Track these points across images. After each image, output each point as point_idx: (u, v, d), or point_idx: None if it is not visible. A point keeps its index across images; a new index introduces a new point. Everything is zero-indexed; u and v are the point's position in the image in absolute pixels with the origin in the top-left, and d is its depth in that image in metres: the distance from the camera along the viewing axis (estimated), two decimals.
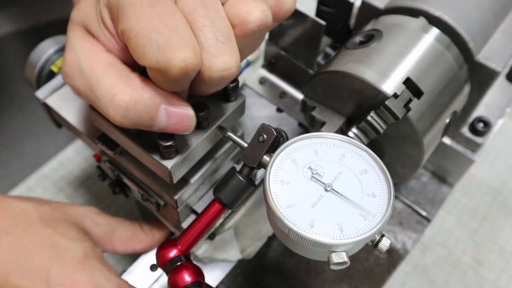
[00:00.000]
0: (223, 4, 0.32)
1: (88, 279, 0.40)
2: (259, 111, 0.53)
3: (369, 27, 0.46)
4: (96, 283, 0.40)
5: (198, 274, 0.38)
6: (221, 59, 0.30)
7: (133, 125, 0.32)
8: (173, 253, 0.39)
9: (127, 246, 0.49)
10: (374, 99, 0.40)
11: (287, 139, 0.37)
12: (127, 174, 0.46)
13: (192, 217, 0.46)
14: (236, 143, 0.38)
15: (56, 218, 0.44)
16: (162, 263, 0.39)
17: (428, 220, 0.56)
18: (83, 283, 0.40)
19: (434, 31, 0.43)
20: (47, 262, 0.40)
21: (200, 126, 0.38)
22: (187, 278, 0.38)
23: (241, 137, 0.38)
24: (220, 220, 0.49)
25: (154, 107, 0.31)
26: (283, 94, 0.57)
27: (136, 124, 0.32)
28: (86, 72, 0.32)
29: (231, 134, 0.38)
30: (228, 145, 0.44)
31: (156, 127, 0.33)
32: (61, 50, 0.53)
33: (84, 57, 0.33)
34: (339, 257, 0.32)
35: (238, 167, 0.38)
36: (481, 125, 0.51)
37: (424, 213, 0.56)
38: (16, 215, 0.43)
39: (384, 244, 0.34)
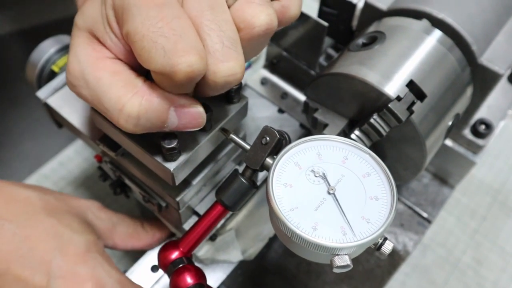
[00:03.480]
0: (228, 7, 0.32)
1: (89, 273, 0.40)
2: (260, 112, 0.53)
3: (371, 29, 0.46)
4: (97, 278, 0.40)
5: (200, 276, 0.38)
6: (226, 65, 0.30)
7: (144, 131, 0.32)
8: (175, 255, 0.39)
9: (127, 243, 0.49)
10: (377, 101, 0.40)
11: (290, 141, 0.37)
12: (129, 175, 0.45)
13: (193, 219, 0.46)
14: (238, 145, 0.38)
15: (60, 208, 0.44)
16: (164, 265, 0.39)
17: (429, 221, 0.56)
18: (84, 277, 0.40)
19: (437, 33, 0.43)
20: (49, 253, 0.40)
21: (203, 128, 0.37)
22: (189, 280, 0.38)
23: (243, 139, 0.38)
24: (222, 221, 0.48)
25: (164, 111, 0.31)
26: (284, 95, 0.57)
27: (147, 129, 0.32)
28: (92, 82, 0.32)
29: (234, 136, 0.38)
30: (230, 146, 0.44)
31: (167, 129, 0.33)
32: (62, 50, 0.53)
33: (89, 67, 0.32)
34: (342, 260, 0.32)
35: (240, 169, 0.38)
36: (483, 127, 0.51)
37: (425, 215, 0.56)
38: (20, 202, 0.42)
39: (387, 247, 0.33)
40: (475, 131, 0.51)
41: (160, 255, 0.39)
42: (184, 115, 0.32)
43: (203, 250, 0.50)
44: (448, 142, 0.54)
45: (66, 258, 0.40)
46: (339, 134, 0.43)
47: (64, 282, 0.39)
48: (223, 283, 0.49)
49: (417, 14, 0.44)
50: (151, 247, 0.51)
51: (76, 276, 0.40)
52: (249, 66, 0.52)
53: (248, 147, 0.37)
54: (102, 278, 0.40)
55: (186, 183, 0.42)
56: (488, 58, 0.43)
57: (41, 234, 0.41)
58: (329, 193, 0.34)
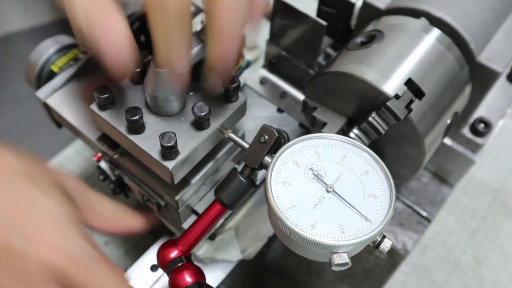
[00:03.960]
0: None
1: (64, 245, 0.38)
2: (259, 112, 0.53)
3: (370, 27, 0.46)
4: (71, 250, 0.38)
5: (199, 275, 0.38)
6: None
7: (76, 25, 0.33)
8: (174, 253, 0.39)
9: (103, 225, 0.46)
10: (376, 100, 0.40)
11: (288, 140, 0.37)
12: (128, 174, 0.46)
13: (193, 218, 0.46)
14: (237, 144, 0.38)
15: (40, 174, 0.42)
16: (163, 263, 0.39)
17: (428, 220, 0.56)
18: (61, 248, 0.38)
19: (436, 32, 0.43)
20: (25, 217, 0.38)
21: (202, 126, 0.38)
22: (188, 278, 0.38)
23: (242, 138, 0.38)
24: (221, 221, 0.48)
25: (97, 13, 0.32)
26: (283, 94, 0.57)
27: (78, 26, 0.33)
28: None
29: (232, 135, 0.38)
30: (229, 145, 0.44)
31: (93, 42, 0.33)
32: (61, 50, 0.53)
33: None
34: (341, 258, 0.32)
35: (239, 168, 0.38)
36: (482, 125, 0.51)
37: (424, 214, 0.56)
38: (3, 167, 0.40)
39: (386, 245, 0.33)
40: (474, 130, 0.51)
41: (159, 253, 0.39)
42: (108, 29, 0.33)
43: (202, 249, 0.50)
44: (447, 141, 0.54)
45: (45, 227, 0.38)
46: (337, 133, 0.43)
47: (43, 250, 0.37)
48: (222, 282, 0.49)
49: (415, 13, 0.44)
50: (123, 236, 0.48)
51: (54, 247, 0.38)
52: (247, 66, 0.52)
53: (247, 145, 0.37)
54: (76, 251, 0.38)
55: (185, 182, 0.42)
56: (486, 57, 0.43)
57: (17, 198, 0.39)
58: (328, 191, 0.34)
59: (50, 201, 0.40)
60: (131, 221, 0.48)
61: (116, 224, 0.47)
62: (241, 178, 0.37)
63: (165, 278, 0.49)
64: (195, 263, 0.39)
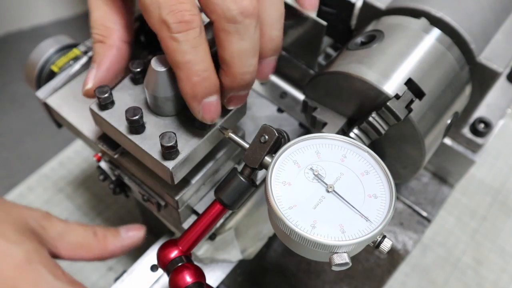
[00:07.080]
0: None
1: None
2: (260, 111, 0.53)
3: (370, 27, 0.46)
4: None
5: (199, 275, 0.38)
6: None
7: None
8: (174, 253, 0.39)
9: (74, 253, 0.45)
10: (376, 100, 0.40)
11: (289, 140, 0.37)
12: (128, 174, 0.46)
13: (193, 218, 0.46)
14: (237, 144, 0.38)
15: None
16: (163, 263, 0.39)
17: (428, 220, 0.56)
18: None
19: (436, 32, 0.43)
20: None
21: (202, 126, 0.38)
22: (188, 278, 0.38)
23: (242, 138, 0.38)
24: (221, 221, 0.48)
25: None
26: (284, 94, 0.57)
27: None
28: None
29: (232, 135, 0.38)
30: (229, 145, 0.44)
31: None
32: (61, 50, 0.53)
33: None
34: (341, 258, 0.32)
35: (239, 168, 0.38)
36: (482, 125, 0.51)
37: (424, 214, 0.56)
38: None
39: (386, 245, 0.33)
40: (474, 130, 0.51)
41: (159, 253, 0.39)
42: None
43: (202, 249, 0.50)
44: (448, 141, 0.54)
45: (3, 272, 0.37)
46: (338, 133, 0.43)
47: None
48: (222, 282, 0.49)
49: (415, 13, 0.44)
50: (101, 259, 0.47)
51: None
52: None
53: (247, 145, 0.37)
54: None
55: (185, 182, 0.42)
56: (486, 57, 0.43)
57: None
58: (328, 191, 0.34)
59: (9, 245, 0.38)
60: (110, 243, 0.47)
61: (90, 250, 0.46)
62: (241, 178, 0.37)
63: (166, 278, 0.49)
64: (195, 263, 0.39)
